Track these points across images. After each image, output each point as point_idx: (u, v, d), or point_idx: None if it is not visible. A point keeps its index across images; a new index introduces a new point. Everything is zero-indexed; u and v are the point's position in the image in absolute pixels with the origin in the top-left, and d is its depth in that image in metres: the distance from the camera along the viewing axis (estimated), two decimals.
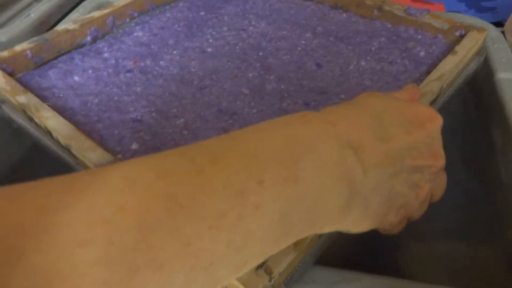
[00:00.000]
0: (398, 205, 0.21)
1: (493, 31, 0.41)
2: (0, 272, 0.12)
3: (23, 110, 0.30)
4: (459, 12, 0.55)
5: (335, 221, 0.18)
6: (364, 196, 0.19)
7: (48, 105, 0.29)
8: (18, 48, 0.34)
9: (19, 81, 0.33)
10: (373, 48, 0.36)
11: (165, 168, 0.15)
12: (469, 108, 0.40)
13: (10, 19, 0.48)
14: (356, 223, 0.20)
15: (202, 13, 0.43)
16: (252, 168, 0.16)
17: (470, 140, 0.37)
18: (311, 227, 0.18)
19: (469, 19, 0.43)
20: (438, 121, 0.22)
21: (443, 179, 0.24)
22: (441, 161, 0.22)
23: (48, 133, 0.28)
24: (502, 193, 0.31)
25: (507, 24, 0.48)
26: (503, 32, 0.47)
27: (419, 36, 0.36)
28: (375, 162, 0.19)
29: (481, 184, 0.34)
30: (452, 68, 0.30)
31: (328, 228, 0.19)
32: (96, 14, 0.39)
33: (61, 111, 0.31)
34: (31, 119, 0.30)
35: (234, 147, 0.17)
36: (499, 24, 0.51)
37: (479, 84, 0.39)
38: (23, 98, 0.30)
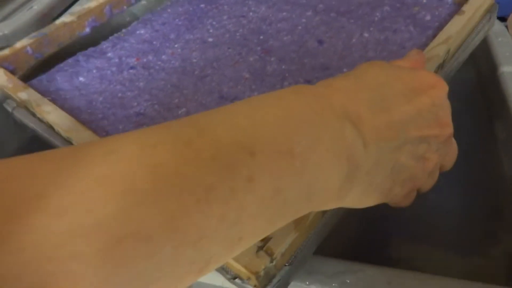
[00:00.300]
0: (404, 178, 0.20)
1: (497, 25, 0.40)
2: None
3: (25, 106, 0.30)
4: None
5: (336, 198, 0.18)
6: (366, 171, 0.18)
7: (49, 100, 0.30)
8: (18, 45, 0.35)
9: (29, 86, 0.34)
10: (376, 19, 0.34)
11: (149, 140, 0.15)
12: (473, 101, 0.39)
13: (13, 11, 0.49)
14: (359, 199, 0.19)
15: (202, 5, 0.43)
16: (243, 141, 0.15)
17: (474, 134, 0.36)
18: (309, 204, 0.17)
19: None
20: (443, 88, 0.20)
21: (453, 147, 0.22)
22: (449, 130, 0.20)
23: (50, 127, 0.29)
24: (503, 186, 0.29)
25: (509, 18, 0.46)
26: (506, 27, 0.45)
27: (424, 1, 0.34)
28: (376, 135, 0.18)
29: (483, 177, 0.32)
30: (459, 29, 0.28)
31: (329, 205, 0.18)
32: (93, 4, 0.39)
33: (68, 111, 0.32)
34: (34, 115, 0.30)
35: (223, 120, 0.16)
36: (502, 19, 0.49)
37: (483, 77, 0.38)
38: (24, 95, 0.30)
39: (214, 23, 0.40)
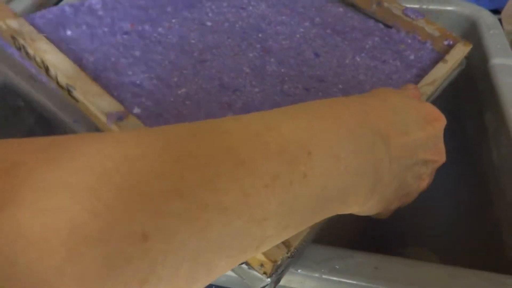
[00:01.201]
0: (403, 194, 0.23)
1: (489, 17, 0.42)
2: None
3: (12, 37, 0.27)
4: None
5: (361, 204, 0.20)
6: (386, 183, 0.20)
7: (45, 36, 0.27)
8: None
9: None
10: (367, 46, 0.37)
11: (223, 128, 0.16)
12: (463, 94, 0.41)
13: None
14: (371, 208, 0.21)
15: None
16: (303, 141, 0.17)
17: (463, 125, 0.39)
18: (342, 205, 0.19)
19: (465, 5, 0.45)
20: (443, 121, 0.24)
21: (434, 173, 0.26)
22: (443, 158, 0.24)
23: (44, 68, 0.26)
24: (493, 175, 0.32)
25: (504, 11, 0.49)
26: (500, 20, 0.49)
27: (409, 41, 0.38)
28: (399, 153, 0.20)
29: (474, 167, 0.35)
30: (443, 74, 0.32)
31: (353, 210, 0.20)
32: None
33: None
34: (20, 49, 0.27)
35: (286, 120, 0.18)
36: (496, 11, 0.52)
37: (473, 69, 0.40)
38: (15, 23, 0.27)
39: (213, 7, 0.39)
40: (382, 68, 0.35)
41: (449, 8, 0.45)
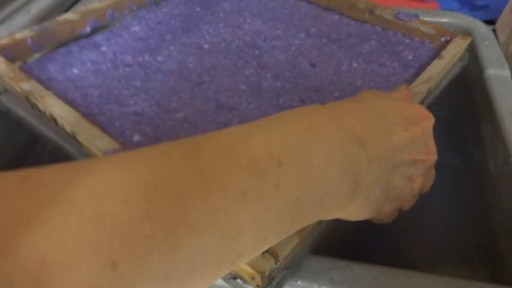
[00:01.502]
0: (394, 197, 0.23)
1: (483, 28, 0.43)
2: None
3: (26, 98, 0.30)
4: (452, 10, 0.57)
5: (341, 208, 0.20)
6: (367, 186, 0.20)
7: (53, 93, 0.30)
8: (18, 35, 0.35)
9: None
10: (364, 51, 0.37)
11: (194, 146, 0.17)
12: (460, 104, 0.42)
13: (9, 15, 0.48)
14: (358, 211, 0.21)
15: (198, 9, 0.43)
16: (273, 152, 0.18)
17: (461, 135, 0.39)
18: (321, 212, 0.19)
19: (459, 17, 0.45)
20: (431, 120, 0.24)
21: (432, 173, 0.26)
22: (434, 157, 0.24)
23: (53, 120, 0.29)
24: (491, 184, 0.32)
25: (498, 22, 0.50)
26: (493, 30, 0.48)
27: (407, 41, 0.38)
28: (378, 154, 0.20)
29: (471, 176, 0.35)
30: (439, 71, 0.32)
31: (335, 215, 0.20)
32: (96, 5, 0.39)
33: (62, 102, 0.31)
34: (34, 107, 0.30)
35: (257, 133, 0.18)
36: (491, 22, 0.53)
37: (469, 81, 0.40)
38: (27, 86, 0.30)
39: (210, 29, 0.41)
40: (380, 72, 0.35)
41: (444, 20, 0.45)
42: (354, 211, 0.21)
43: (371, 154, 0.20)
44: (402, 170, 0.22)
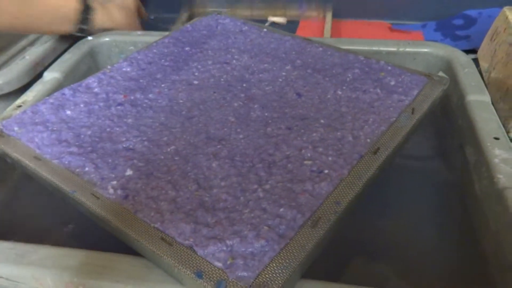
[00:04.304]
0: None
1: (463, 56, 0.45)
2: None
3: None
4: (435, 41, 0.59)
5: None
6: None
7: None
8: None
9: (15, 119, 0.35)
10: (348, 79, 0.39)
11: None
12: (444, 129, 0.43)
13: (6, 62, 0.51)
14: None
15: (187, 48, 0.45)
16: None
17: (447, 159, 0.40)
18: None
19: (439, 47, 0.47)
20: None
21: None
22: None
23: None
24: (476, 207, 0.33)
25: (480, 50, 0.52)
26: (476, 59, 0.51)
27: (389, 68, 0.39)
28: None
29: (459, 199, 0.36)
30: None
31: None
32: None
33: (56, 143, 0.32)
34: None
35: None
36: (473, 51, 0.56)
37: (452, 106, 0.42)
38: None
39: (199, 66, 0.42)
40: (363, 98, 0.36)
41: (425, 50, 0.47)
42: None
43: None
44: None
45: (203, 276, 0.23)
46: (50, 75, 0.44)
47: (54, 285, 0.26)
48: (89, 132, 0.34)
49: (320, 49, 0.44)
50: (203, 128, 0.34)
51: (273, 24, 0.70)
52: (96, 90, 0.39)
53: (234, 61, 0.43)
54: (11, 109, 0.39)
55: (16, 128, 0.34)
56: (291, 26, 0.68)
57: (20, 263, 0.26)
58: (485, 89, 0.39)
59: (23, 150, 0.32)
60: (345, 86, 0.38)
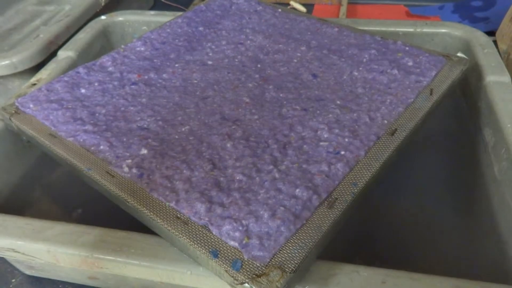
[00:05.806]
0: None
1: (483, 37, 0.43)
2: None
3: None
4: None
5: None
6: None
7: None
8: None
9: (30, 96, 0.35)
10: (364, 60, 0.38)
11: None
12: (462, 111, 0.42)
13: (20, 40, 0.51)
14: None
15: (200, 28, 0.45)
16: None
17: (465, 141, 0.39)
18: None
19: (458, 27, 0.46)
20: None
21: None
22: None
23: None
24: (496, 189, 0.32)
25: (498, 31, 0.51)
26: (495, 41, 0.49)
27: (406, 48, 0.38)
28: None
29: (476, 182, 0.35)
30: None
31: None
32: None
33: (71, 121, 0.32)
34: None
35: None
36: (492, 33, 0.54)
37: (470, 88, 0.41)
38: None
39: (213, 47, 0.42)
40: (380, 79, 0.35)
41: (443, 30, 0.46)
42: None
43: None
44: None
45: (219, 255, 0.23)
46: (64, 54, 0.44)
47: (69, 261, 0.26)
48: (103, 111, 0.34)
49: (336, 29, 0.43)
50: (217, 109, 0.34)
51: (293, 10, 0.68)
52: (110, 69, 0.38)
53: (249, 41, 0.42)
54: (26, 86, 0.39)
55: (31, 106, 0.34)
56: (307, 10, 0.67)
57: (36, 238, 0.26)
58: (505, 69, 0.38)
59: (38, 127, 0.32)
60: (361, 67, 0.37)
